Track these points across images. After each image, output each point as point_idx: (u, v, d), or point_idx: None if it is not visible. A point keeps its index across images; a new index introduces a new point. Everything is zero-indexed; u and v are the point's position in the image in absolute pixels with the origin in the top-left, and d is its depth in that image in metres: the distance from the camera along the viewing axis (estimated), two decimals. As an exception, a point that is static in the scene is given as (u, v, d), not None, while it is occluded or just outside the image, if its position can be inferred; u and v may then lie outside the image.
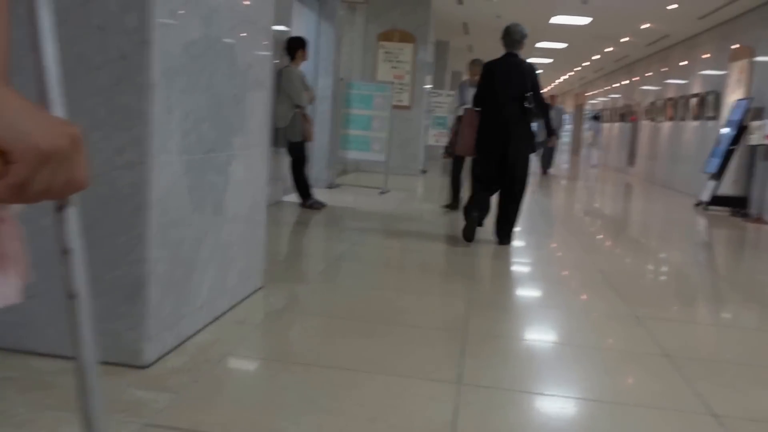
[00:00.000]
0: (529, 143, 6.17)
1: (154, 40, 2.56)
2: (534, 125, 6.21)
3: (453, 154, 8.39)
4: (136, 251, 2.64)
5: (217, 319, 3.33)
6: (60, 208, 0.85)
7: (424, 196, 10.83)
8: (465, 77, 11.05)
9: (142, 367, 2.69)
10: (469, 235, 6.08)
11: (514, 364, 3.16)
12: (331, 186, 10.01)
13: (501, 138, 6.00)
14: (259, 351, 3.20)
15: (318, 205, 7.80)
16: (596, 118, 23.67)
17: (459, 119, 7.74)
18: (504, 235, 6.23)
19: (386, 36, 13.37)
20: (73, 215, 0.86)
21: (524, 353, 3.39)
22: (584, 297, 4.62)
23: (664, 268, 6.19)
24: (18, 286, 0.75)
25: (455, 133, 7.82)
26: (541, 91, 6.20)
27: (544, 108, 6.22)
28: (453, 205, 8.51)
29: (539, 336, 3.76)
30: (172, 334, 2.88)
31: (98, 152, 2.59)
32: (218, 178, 3.24)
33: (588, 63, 22.29)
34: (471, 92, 6.94)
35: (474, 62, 8.49)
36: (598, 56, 20.09)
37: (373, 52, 13.41)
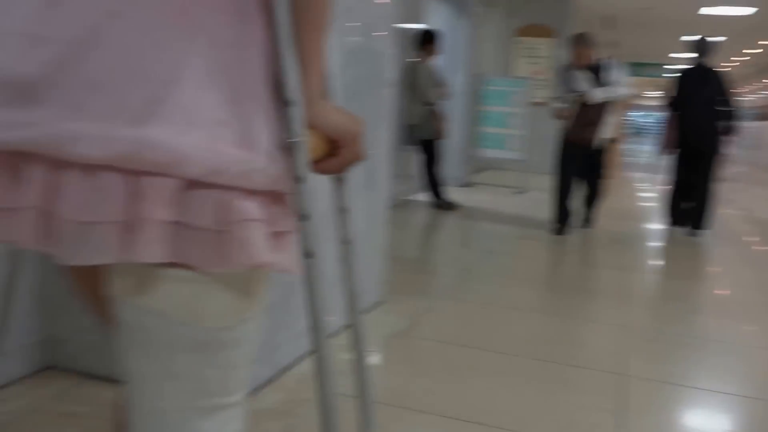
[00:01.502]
0: (720, 142, 6.79)
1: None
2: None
3: (570, 145, 6.26)
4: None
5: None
6: (340, 178, 1.13)
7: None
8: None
9: (231, 404, 2.34)
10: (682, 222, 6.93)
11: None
12: (465, 185, 9.59)
13: (695, 138, 6.78)
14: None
15: (450, 206, 7.39)
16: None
17: (582, 106, 6.18)
18: (698, 220, 6.83)
19: (524, 31, 12.82)
20: (347, 181, 1.15)
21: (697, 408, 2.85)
22: None
23: None
24: (297, 259, 0.90)
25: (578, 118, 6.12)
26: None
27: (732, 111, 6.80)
28: (562, 222, 6.41)
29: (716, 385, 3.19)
30: (265, 365, 2.52)
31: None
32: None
33: (745, 57, 20.70)
34: (579, 78, 6.19)
35: (580, 38, 6.26)
36: (757, 50, 18.58)
37: (511, 47, 12.87)
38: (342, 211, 1.15)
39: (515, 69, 12.81)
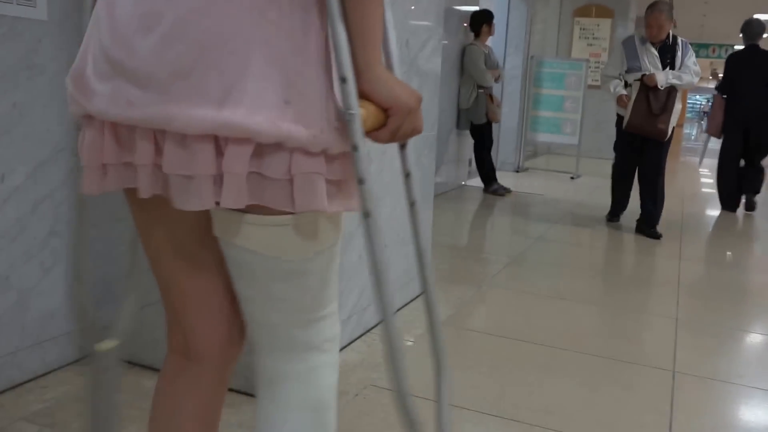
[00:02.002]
0: None
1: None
2: None
3: (629, 135, 5.47)
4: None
5: (367, 332, 2.91)
6: (402, 146, 1.22)
7: (620, 183, 9.92)
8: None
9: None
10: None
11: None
12: (518, 170, 9.44)
13: (744, 122, 6.85)
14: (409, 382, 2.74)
15: (502, 191, 7.27)
16: None
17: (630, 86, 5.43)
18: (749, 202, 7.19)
19: (582, 11, 12.52)
20: (411, 149, 1.24)
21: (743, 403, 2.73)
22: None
23: None
24: (357, 201, 1.07)
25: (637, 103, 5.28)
26: None
27: None
28: (616, 214, 6.14)
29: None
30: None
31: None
32: (371, 166, 2.81)
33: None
34: (646, 54, 5.36)
35: (658, 5, 5.35)
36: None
37: (568, 28, 12.60)
38: (406, 176, 1.26)
39: (572, 51, 12.55)
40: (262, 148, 0.98)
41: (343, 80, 1.01)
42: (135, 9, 1.00)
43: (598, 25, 12.49)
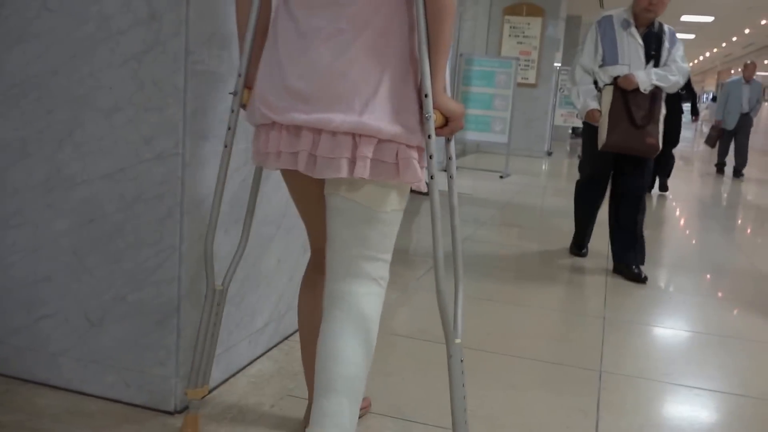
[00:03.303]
0: None
1: (194, -4, 2.06)
2: None
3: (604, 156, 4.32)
4: (166, 266, 2.11)
5: (285, 339, 2.79)
6: (449, 140, 1.78)
7: (550, 180, 9.97)
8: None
9: (171, 413, 2.16)
10: None
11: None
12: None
13: None
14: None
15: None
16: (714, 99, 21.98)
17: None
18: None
19: (513, 10, 12.59)
20: (453, 146, 1.80)
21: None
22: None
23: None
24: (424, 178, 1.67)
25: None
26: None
27: None
28: (583, 244, 4.96)
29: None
30: (217, 367, 2.34)
31: (122, 140, 2.08)
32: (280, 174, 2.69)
33: (736, 38, 20.50)
34: (627, 46, 4.14)
35: None
36: (750, 30, 18.37)
37: (498, 26, 12.65)
38: (449, 158, 1.80)
39: (503, 49, 12.61)
40: (382, 142, 1.60)
41: (426, 96, 1.64)
42: (304, 59, 1.64)
43: (529, 24, 12.58)
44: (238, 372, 2.49)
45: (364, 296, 1.69)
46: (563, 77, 12.82)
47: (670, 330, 3.51)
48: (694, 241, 6.15)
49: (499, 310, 3.53)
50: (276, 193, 2.59)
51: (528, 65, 12.50)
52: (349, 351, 1.65)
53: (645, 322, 3.55)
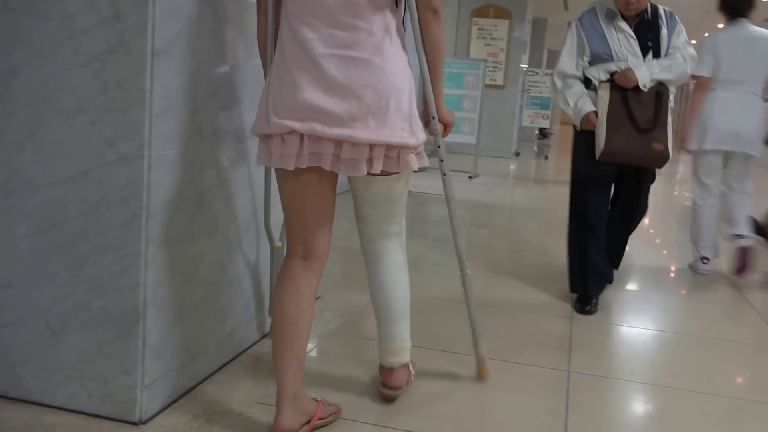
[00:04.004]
0: None
1: (159, -4, 2.03)
2: None
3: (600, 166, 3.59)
4: (131, 271, 2.06)
5: (253, 345, 2.76)
6: (439, 146, 2.42)
7: (518, 181, 10.01)
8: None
9: (136, 424, 2.11)
10: None
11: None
12: (416, 170, 9.34)
13: None
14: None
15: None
16: None
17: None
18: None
19: (480, 12, 12.66)
20: (444, 150, 2.44)
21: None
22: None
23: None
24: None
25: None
26: None
27: None
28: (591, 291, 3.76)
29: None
30: (180, 377, 2.30)
31: (85, 142, 2.03)
32: (249, 178, 2.66)
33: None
34: (617, 37, 3.54)
35: None
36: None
37: (466, 28, 12.70)
38: (441, 160, 2.44)
39: (471, 51, 12.65)
40: (391, 148, 2.03)
41: (433, 118, 2.34)
42: (318, 76, 1.97)
43: (496, 26, 12.64)
44: (204, 379, 2.45)
45: (396, 250, 2.36)
46: (530, 79, 12.91)
47: (636, 329, 3.53)
48: (658, 240, 6.21)
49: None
50: (242, 197, 2.56)
51: (496, 67, 12.56)
52: (401, 289, 2.39)
53: (612, 321, 3.57)
